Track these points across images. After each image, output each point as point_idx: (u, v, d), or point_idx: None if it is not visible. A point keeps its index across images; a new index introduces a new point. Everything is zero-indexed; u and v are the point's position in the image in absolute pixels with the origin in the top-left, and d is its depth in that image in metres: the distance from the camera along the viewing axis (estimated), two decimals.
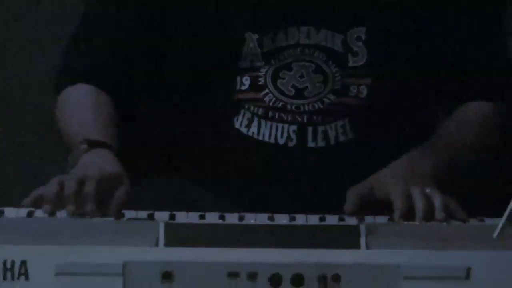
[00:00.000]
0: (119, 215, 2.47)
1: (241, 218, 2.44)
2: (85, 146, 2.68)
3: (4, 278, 2.20)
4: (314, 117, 2.80)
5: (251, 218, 2.45)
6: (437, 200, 2.48)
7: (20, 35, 4.76)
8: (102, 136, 2.72)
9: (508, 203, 2.07)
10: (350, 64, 2.81)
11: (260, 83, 2.81)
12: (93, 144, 2.68)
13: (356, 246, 2.25)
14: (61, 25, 4.27)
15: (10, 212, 2.47)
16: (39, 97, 4.40)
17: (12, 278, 2.20)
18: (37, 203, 2.47)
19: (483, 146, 2.82)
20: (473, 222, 2.44)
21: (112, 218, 2.52)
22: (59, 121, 2.90)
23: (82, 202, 2.46)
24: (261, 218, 2.45)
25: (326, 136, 2.81)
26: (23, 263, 2.20)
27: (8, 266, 2.20)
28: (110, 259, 2.22)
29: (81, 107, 2.85)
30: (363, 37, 2.81)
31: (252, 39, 2.82)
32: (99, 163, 2.63)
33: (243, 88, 2.82)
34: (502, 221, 2.07)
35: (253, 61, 2.82)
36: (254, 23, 2.82)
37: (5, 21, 4.78)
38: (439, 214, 2.45)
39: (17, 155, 4.62)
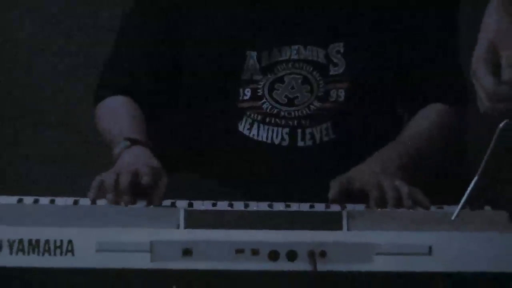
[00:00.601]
0: (160, 203, 2.53)
1: (246, 206, 2.49)
2: (127, 143, 2.72)
3: (55, 254, 2.28)
4: (303, 121, 2.84)
5: (254, 206, 2.50)
6: (404, 191, 2.53)
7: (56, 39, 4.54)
8: (139, 136, 2.76)
9: (464, 193, 2.12)
10: (331, 73, 2.83)
11: (259, 94, 2.84)
12: (134, 142, 2.72)
13: (339, 228, 2.32)
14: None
15: (59, 201, 2.52)
16: (65, 99, 4.46)
17: (61, 254, 2.28)
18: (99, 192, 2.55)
19: (441, 143, 2.85)
20: (433, 208, 2.50)
21: (142, 205, 2.57)
22: (101, 124, 2.93)
23: (119, 193, 2.53)
24: (262, 206, 2.51)
25: (312, 137, 2.84)
26: (70, 242, 2.28)
27: (58, 244, 2.28)
28: (140, 238, 2.30)
29: (120, 114, 2.88)
30: (341, 50, 2.82)
31: (252, 56, 2.84)
32: (142, 158, 2.69)
33: (245, 98, 2.84)
34: (459, 207, 2.10)
35: (253, 75, 2.84)
36: (254, 43, 2.84)
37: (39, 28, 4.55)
38: (406, 202, 2.52)
39: (61, 154, 4.39)
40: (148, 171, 2.56)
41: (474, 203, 2.09)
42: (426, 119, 2.85)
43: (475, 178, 2.05)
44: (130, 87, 2.91)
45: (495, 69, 1.94)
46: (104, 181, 2.55)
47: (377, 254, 2.29)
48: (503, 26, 1.99)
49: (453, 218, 2.11)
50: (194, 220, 2.34)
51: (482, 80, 1.95)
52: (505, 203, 1.99)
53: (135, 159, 2.66)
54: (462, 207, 2.11)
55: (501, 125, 1.94)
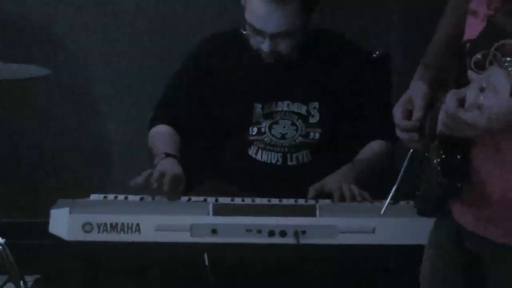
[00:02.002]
0: (179, 198, 2.57)
1: (253, 201, 2.56)
2: (163, 155, 2.70)
3: (127, 232, 2.38)
4: (291, 150, 2.80)
5: (258, 201, 2.56)
6: (356, 191, 2.60)
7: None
8: (172, 151, 2.74)
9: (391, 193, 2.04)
10: (310, 121, 2.78)
11: (262, 131, 2.79)
12: (167, 155, 2.71)
13: (314, 215, 2.44)
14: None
15: (131, 197, 2.58)
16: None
17: (131, 232, 2.38)
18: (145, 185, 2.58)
19: (378, 163, 2.79)
20: (376, 203, 2.53)
21: (186, 200, 2.59)
22: (151, 142, 2.86)
23: (161, 186, 2.56)
24: (264, 201, 2.56)
25: (297, 159, 2.79)
26: (137, 224, 2.38)
27: (129, 226, 2.38)
28: (184, 222, 2.40)
29: (162, 136, 2.83)
30: (317, 107, 2.77)
31: (258, 107, 2.79)
32: (172, 166, 2.67)
33: (253, 133, 2.79)
34: (386, 202, 2.03)
35: (258, 119, 2.79)
36: (259, 98, 2.79)
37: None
38: (357, 198, 2.60)
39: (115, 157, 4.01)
40: (171, 173, 2.60)
41: (397, 200, 2.06)
42: (371, 149, 2.80)
43: (394, 188, 1.99)
44: (172, 121, 2.85)
45: (407, 112, 1.87)
46: (148, 175, 2.59)
47: (340, 232, 2.40)
48: (416, 86, 1.90)
49: (382, 212, 2.08)
50: (219, 210, 2.44)
51: (394, 118, 1.88)
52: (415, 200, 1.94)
53: (164, 166, 2.65)
54: (389, 204, 2.04)
55: (410, 152, 1.92)
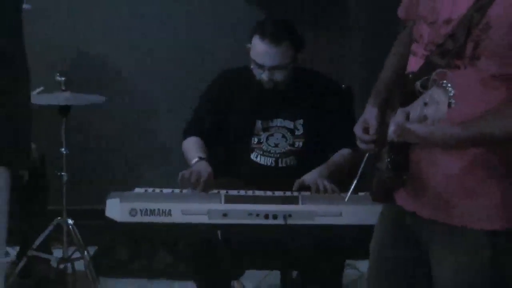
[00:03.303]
0: (208, 191, 2.52)
1: (253, 192, 2.53)
2: (197, 159, 2.66)
3: (161, 215, 2.35)
4: (282, 155, 2.74)
5: (257, 193, 2.53)
6: (328, 185, 2.57)
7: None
8: (204, 156, 2.68)
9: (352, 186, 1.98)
10: (296, 134, 2.74)
11: (261, 141, 2.74)
12: (200, 158, 2.66)
13: (297, 203, 2.42)
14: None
15: (165, 190, 2.53)
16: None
17: (164, 215, 2.35)
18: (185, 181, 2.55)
19: (344, 165, 2.72)
20: (342, 193, 2.47)
21: (204, 192, 2.54)
22: (186, 149, 2.78)
23: (197, 182, 2.53)
24: (260, 193, 2.53)
25: (286, 163, 2.74)
26: (169, 210, 2.36)
27: (163, 211, 2.36)
28: (202, 208, 2.38)
29: (195, 145, 2.75)
30: (302, 123, 2.74)
31: (258, 123, 2.75)
32: (205, 167, 2.62)
33: (254, 143, 2.75)
34: (349, 193, 1.99)
35: (258, 132, 2.75)
36: (260, 116, 2.75)
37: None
38: (329, 191, 2.56)
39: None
40: (203, 174, 2.57)
41: (357, 191, 2.01)
42: (339, 154, 2.74)
43: (354, 182, 1.94)
44: (199, 133, 2.78)
45: (364, 129, 1.84)
46: (187, 173, 2.57)
47: (316, 216, 2.38)
48: (370, 110, 1.86)
49: (346, 200, 2.03)
50: (228, 199, 2.43)
51: (356, 133, 1.84)
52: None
53: (200, 167, 2.62)
54: (351, 194, 2.00)
55: (366, 156, 1.87)
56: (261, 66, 2.65)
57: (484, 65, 1.63)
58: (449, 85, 1.54)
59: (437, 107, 1.53)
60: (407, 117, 1.60)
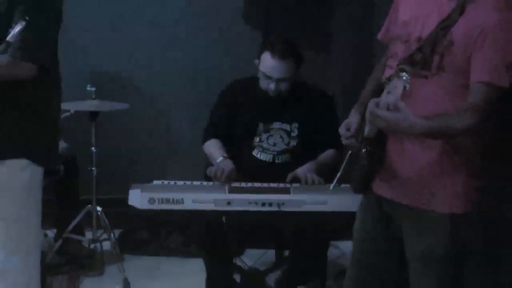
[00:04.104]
0: (231, 183, 2.47)
1: (253, 184, 2.50)
2: (222, 158, 2.61)
3: (175, 203, 2.34)
4: (278, 153, 2.70)
5: (257, 184, 2.49)
6: (315, 178, 2.54)
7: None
8: (226, 155, 2.64)
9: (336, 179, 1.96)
10: (292, 135, 2.70)
11: (262, 140, 2.70)
12: (224, 157, 2.61)
13: (289, 193, 2.42)
14: None
15: (178, 182, 2.50)
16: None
17: (177, 203, 2.35)
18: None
19: (330, 162, 2.66)
20: (327, 185, 2.34)
21: (211, 183, 2.51)
22: (208, 150, 2.72)
23: (222, 176, 2.51)
24: (258, 185, 2.49)
25: (282, 159, 2.70)
26: (182, 199, 2.34)
27: (177, 199, 2.34)
28: (209, 197, 2.36)
29: (216, 146, 2.69)
30: (297, 126, 2.69)
31: (260, 125, 2.71)
32: (228, 164, 2.58)
33: (256, 141, 2.71)
34: (333, 184, 1.96)
35: (261, 132, 2.71)
36: (262, 119, 2.70)
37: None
38: (316, 182, 2.52)
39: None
40: (227, 170, 2.55)
41: (340, 183, 1.97)
42: (326, 153, 2.69)
43: (338, 175, 1.91)
44: (217, 136, 2.74)
45: (347, 129, 1.85)
46: (214, 169, 2.56)
47: (304, 204, 2.37)
48: (354, 115, 1.86)
49: (330, 188, 2.00)
50: (232, 190, 2.42)
51: (341, 133, 1.85)
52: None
53: (224, 164, 2.58)
54: (335, 185, 1.97)
55: (348, 153, 1.86)
56: (269, 78, 2.63)
57: (448, 76, 1.67)
58: (406, 75, 1.59)
59: (394, 94, 1.58)
60: (377, 105, 1.62)
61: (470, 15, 1.64)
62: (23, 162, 1.99)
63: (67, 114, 3.14)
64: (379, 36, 1.92)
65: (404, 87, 1.57)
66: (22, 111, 1.97)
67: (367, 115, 1.65)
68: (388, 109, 1.59)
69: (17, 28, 1.80)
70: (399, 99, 1.57)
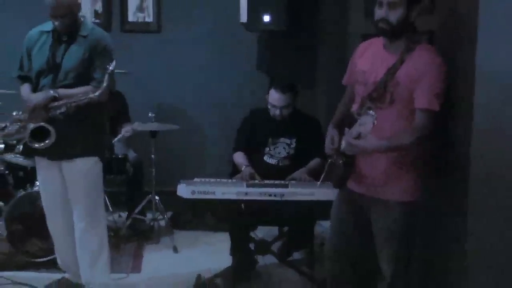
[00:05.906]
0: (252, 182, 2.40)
1: (262, 181, 2.45)
2: (245, 166, 2.54)
3: (207, 195, 2.26)
4: (281, 159, 2.62)
5: (266, 181, 2.43)
6: (307, 178, 2.47)
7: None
8: (248, 164, 2.57)
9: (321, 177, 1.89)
10: (290, 147, 2.62)
11: (270, 150, 2.63)
12: (247, 165, 2.55)
13: (288, 187, 2.33)
14: None
15: (211, 179, 2.41)
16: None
17: (210, 194, 2.27)
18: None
19: (317, 167, 2.50)
20: (315, 182, 2.23)
21: (234, 180, 2.43)
22: (236, 161, 2.63)
23: (246, 178, 2.46)
24: (267, 181, 2.43)
25: (284, 163, 2.62)
26: (214, 191, 2.27)
27: (210, 191, 2.27)
28: (233, 190, 2.28)
29: (242, 157, 2.61)
30: (295, 140, 2.63)
31: (270, 139, 2.65)
32: (250, 170, 2.52)
33: (267, 150, 2.63)
34: (319, 182, 1.91)
35: (269, 145, 2.63)
36: (271, 136, 2.62)
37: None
38: (307, 181, 2.45)
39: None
40: (249, 173, 2.48)
41: (324, 181, 1.91)
42: (314, 161, 2.58)
43: (322, 176, 1.86)
44: (242, 149, 2.66)
45: (330, 142, 1.79)
46: (241, 173, 2.51)
47: (299, 195, 2.30)
48: (332, 130, 1.83)
49: (318, 185, 1.98)
50: (249, 185, 2.36)
51: (325, 145, 1.81)
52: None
53: (248, 170, 2.52)
54: (321, 183, 1.91)
55: (329, 161, 1.82)
56: (274, 106, 2.61)
57: (397, 106, 1.70)
58: (372, 112, 1.63)
59: (366, 126, 1.61)
60: (351, 134, 1.66)
61: (409, 62, 1.68)
62: (95, 158, 2.20)
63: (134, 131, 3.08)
64: (344, 81, 1.91)
65: (373, 123, 1.59)
66: (93, 123, 2.16)
67: (344, 145, 1.66)
68: (358, 137, 1.61)
69: (109, 68, 2.03)
70: (370, 132, 1.60)
